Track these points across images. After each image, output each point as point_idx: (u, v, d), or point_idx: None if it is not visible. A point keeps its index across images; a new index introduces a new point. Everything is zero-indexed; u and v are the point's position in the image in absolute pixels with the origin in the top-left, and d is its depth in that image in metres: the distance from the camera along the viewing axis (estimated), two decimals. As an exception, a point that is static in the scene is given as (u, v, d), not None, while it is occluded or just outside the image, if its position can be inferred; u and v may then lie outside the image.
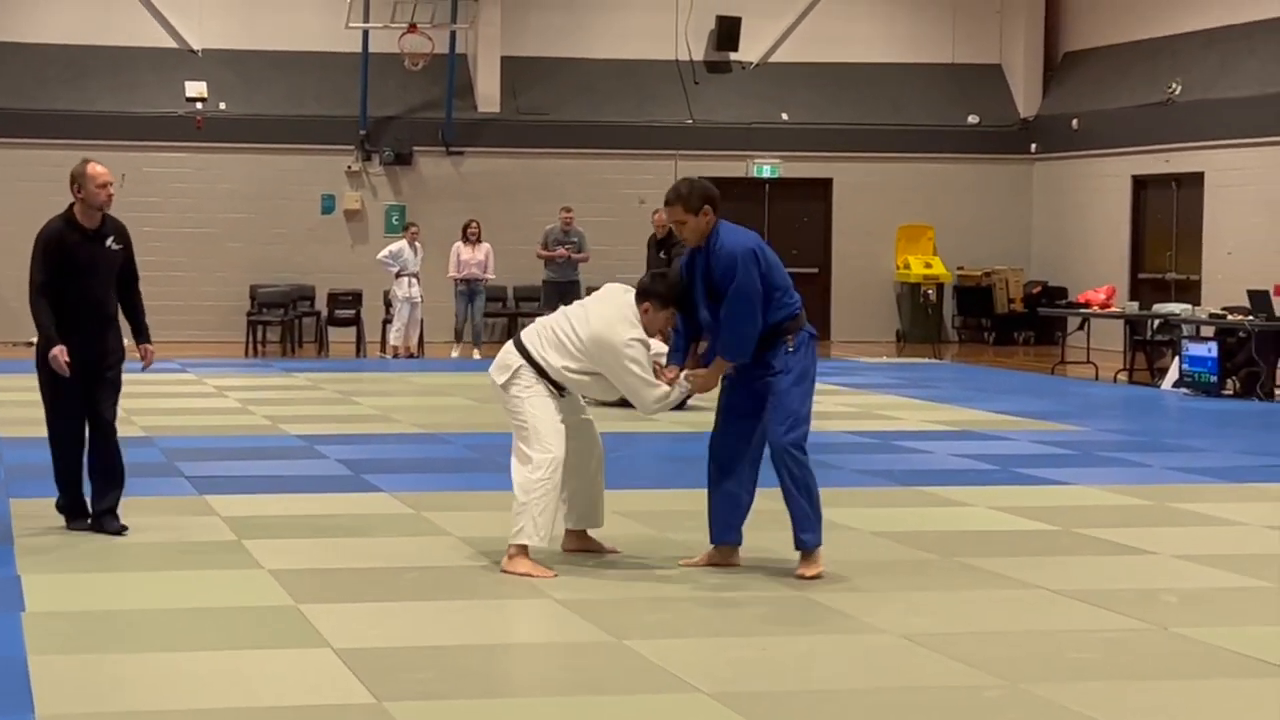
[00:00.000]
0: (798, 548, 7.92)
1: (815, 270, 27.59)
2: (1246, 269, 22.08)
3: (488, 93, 26.78)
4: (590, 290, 21.58)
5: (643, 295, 8.04)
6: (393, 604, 7.30)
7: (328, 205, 26.21)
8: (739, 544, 8.13)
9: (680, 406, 7.97)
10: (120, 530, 8.74)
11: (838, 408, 16.27)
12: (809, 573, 7.82)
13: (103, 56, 25.71)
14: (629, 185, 26.76)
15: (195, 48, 26.14)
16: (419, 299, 22.73)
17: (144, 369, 9.22)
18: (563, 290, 23.63)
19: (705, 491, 8.26)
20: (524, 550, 7.83)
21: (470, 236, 22.93)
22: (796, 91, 27.55)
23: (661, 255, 19.64)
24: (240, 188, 25.77)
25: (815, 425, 14.90)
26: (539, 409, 8.00)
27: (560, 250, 23.13)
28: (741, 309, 7.81)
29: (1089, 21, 27.41)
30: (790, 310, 7.95)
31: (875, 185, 27.23)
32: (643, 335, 7.98)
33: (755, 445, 8.09)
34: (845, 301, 27.45)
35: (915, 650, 6.58)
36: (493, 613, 7.19)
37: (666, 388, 8.00)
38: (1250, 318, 18.14)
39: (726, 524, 8.08)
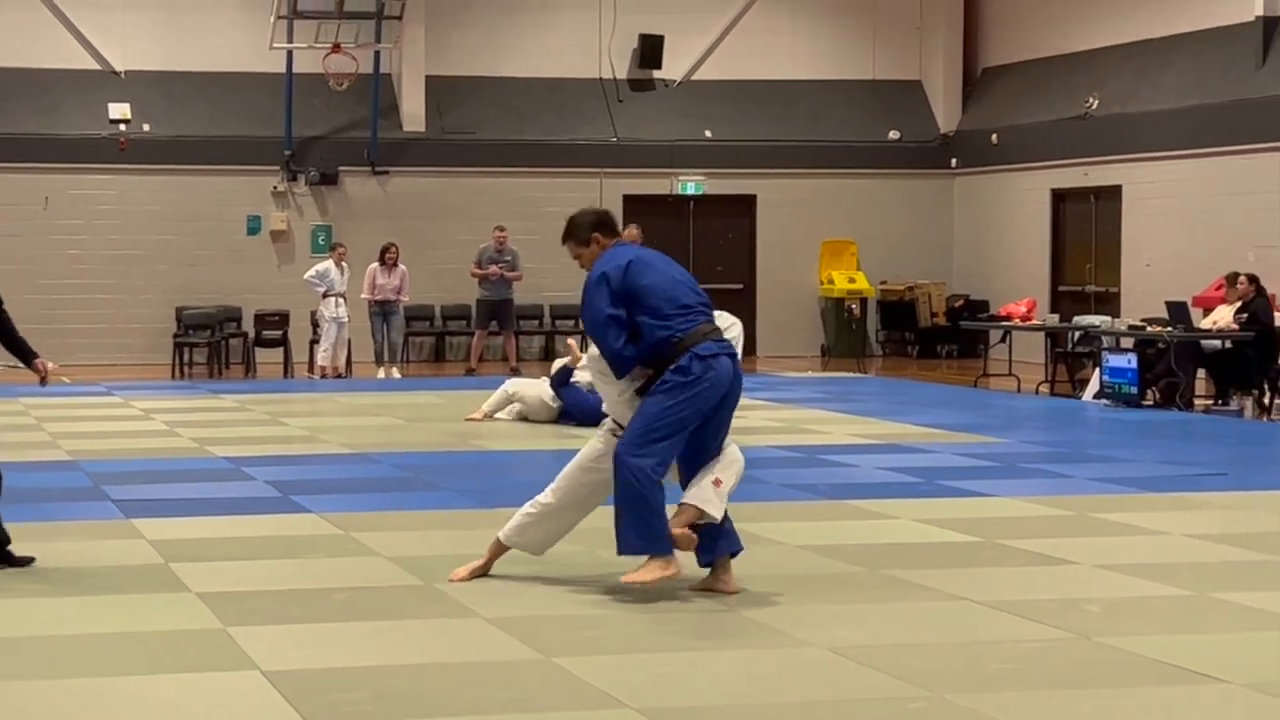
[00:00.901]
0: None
1: (740, 286, 27.72)
2: (1165, 281, 22.34)
3: (413, 112, 26.80)
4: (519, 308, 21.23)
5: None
6: (322, 625, 7.30)
7: (253, 226, 26.14)
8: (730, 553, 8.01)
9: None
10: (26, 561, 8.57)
11: (763, 423, 16.35)
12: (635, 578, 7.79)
13: (25, 78, 25.58)
14: (554, 203, 26.77)
15: (118, 69, 26.04)
16: (346, 319, 22.68)
17: (43, 384, 9.14)
18: (496, 309, 23.70)
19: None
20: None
21: (388, 261, 22.86)
22: (720, 109, 27.69)
23: None
24: (165, 209, 25.67)
25: (742, 440, 14.98)
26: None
27: (494, 269, 23.17)
28: (594, 334, 7.92)
29: (1007, 37, 27.68)
30: (668, 335, 7.79)
31: (798, 201, 27.39)
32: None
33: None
34: (770, 317, 27.58)
35: (841, 663, 6.64)
36: (422, 632, 7.19)
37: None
38: (1169, 329, 18.35)
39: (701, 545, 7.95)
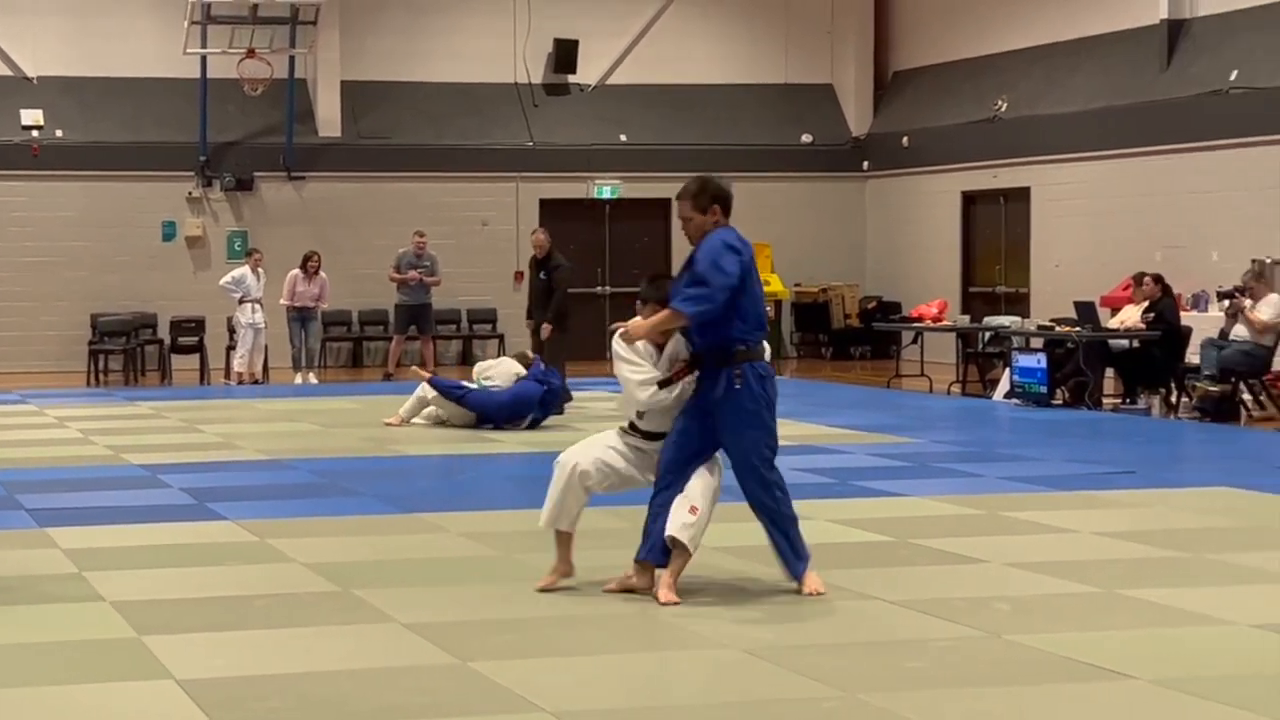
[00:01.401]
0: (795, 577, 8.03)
1: (657, 289, 27.77)
2: (1073, 281, 22.59)
3: (328, 117, 26.74)
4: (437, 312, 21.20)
5: (640, 300, 8.12)
6: (237, 633, 7.30)
7: (169, 232, 26.00)
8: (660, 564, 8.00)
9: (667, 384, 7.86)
10: None
11: (680, 426, 16.42)
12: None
13: (-65, 85, 25.37)
14: (470, 208, 26.84)
15: (30, 75, 25.86)
16: (263, 325, 22.60)
17: None
18: (415, 313, 23.67)
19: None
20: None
21: (309, 269, 22.78)
22: (634, 113, 27.77)
23: (541, 276, 19.77)
24: (79, 215, 25.51)
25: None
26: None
27: (413, 274, 23.15)
28: (710, 275, 7.69)
29: (917, 41, 27.89)
30: (742, 340, 7.87)
31: (714, 204, 27.45)
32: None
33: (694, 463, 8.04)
34: (687, 320, 27.62)
35: (756, 664, 6.70)
36: (339, 638, 7.20)
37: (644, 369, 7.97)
38: (1077, 329, 18.55)
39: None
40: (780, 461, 13.52)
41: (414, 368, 17.93)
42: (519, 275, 26.86)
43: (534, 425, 16.08)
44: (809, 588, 8.01)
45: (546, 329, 19.34)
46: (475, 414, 16.07)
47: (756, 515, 8.15)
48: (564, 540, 8.14)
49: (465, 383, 16.54)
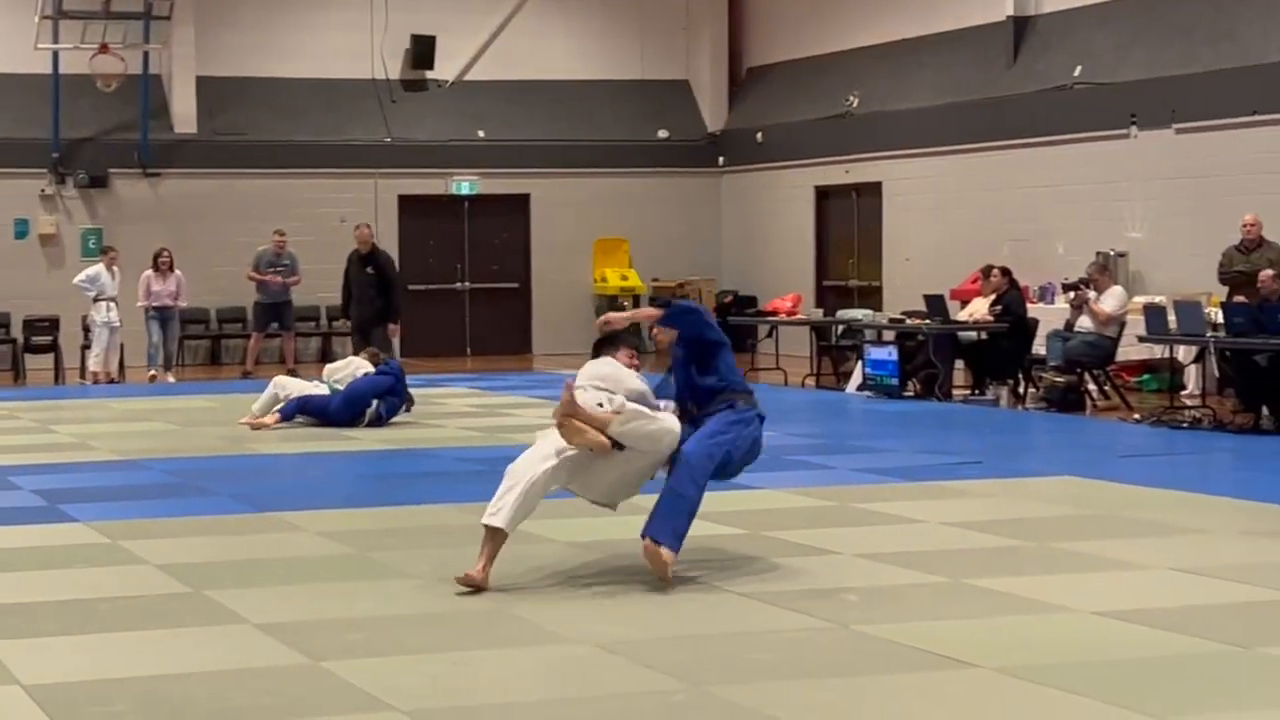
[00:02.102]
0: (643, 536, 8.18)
1: (515, 285, 27.86)
2: (923, 274, 22.89)
3: (184, 113, 26.50)
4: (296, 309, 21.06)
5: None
6: (86, 637, 7.24)
7: (21, 230, 25.66)
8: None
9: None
10: None
11: (537, 420, 16.43)
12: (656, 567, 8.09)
13: None
14: (329, 204, 26.71)
15: (-126, 71, 25.43)
16: (118, 323, 22.38)
17: None
18: (275, 311, 23.54)
19: (405, 508, 8.37)
20: None
21: (161, 266, 22.58)
22: (493, 109, 27.77)
23: (369, 271, 19.72)
24: (-72, 214, 25.12)
25: (515, 439, 15.07)
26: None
27: (273, 278, 23.02)
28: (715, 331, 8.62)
29: (771, 37, 28.11)
30: (735, 385, 8.44)
31: (572, 200, 27.58)
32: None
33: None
34: (545, 315, 27.74)
35: (607, 658, 6.77)
36: (189, 640, 7.17)
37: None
38: (927, 321, 18.80)
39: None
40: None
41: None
42: (378, 271, 26.77)
43: (388, 417, 15.99)
44: (650, 559, 8.08)
45: (395, 329, 19.34)
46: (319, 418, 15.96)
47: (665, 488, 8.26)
48: (500, 539, 8.10)
49: (311, 388, 16.30)
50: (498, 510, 8.06)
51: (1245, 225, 17.91)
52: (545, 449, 8.19)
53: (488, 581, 8.02)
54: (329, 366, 17.03)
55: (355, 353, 18.40)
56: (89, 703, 6.16)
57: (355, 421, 15.80)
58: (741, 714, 5.95)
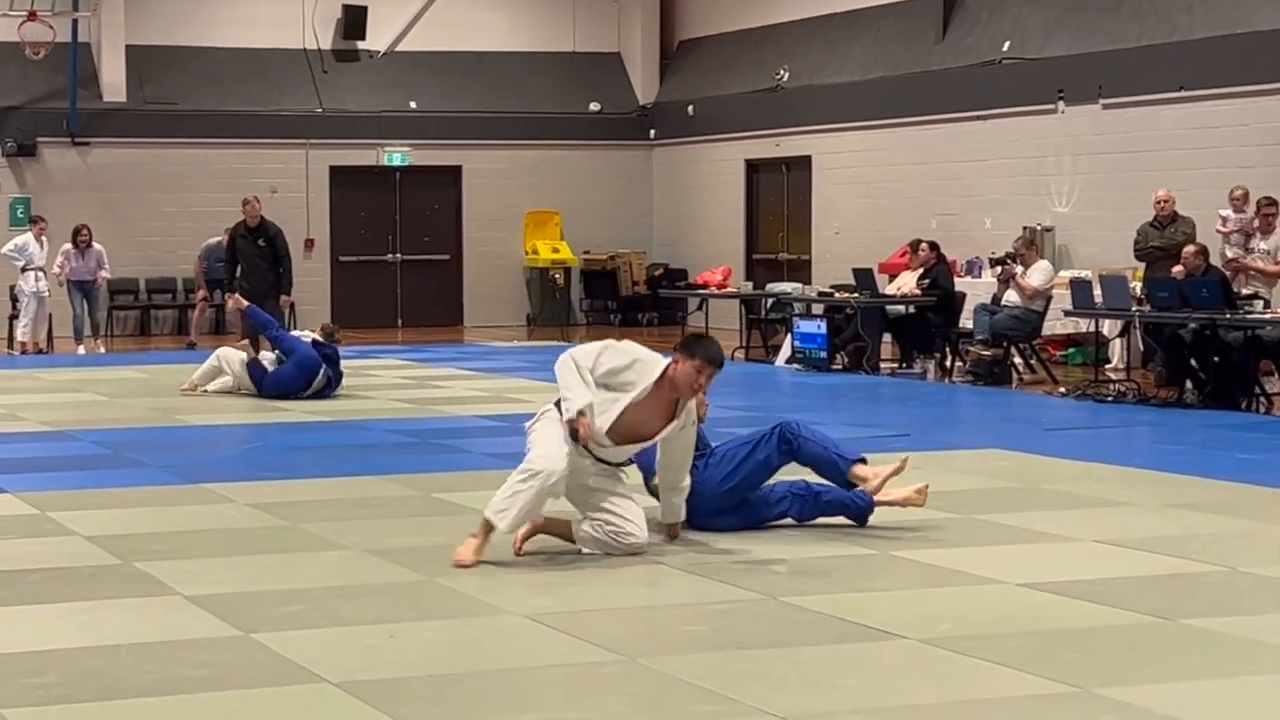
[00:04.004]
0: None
1: (447, 257, 27.83)
2: (852, 248, 23.03)
3: (113, 82, 26.32)
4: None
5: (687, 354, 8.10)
6: (12, 609, 7.21)
7: (-52, 199, 25.46)
8: None
9: None
10: None
11: (468, 392, 16.50)
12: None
13: None
14: (260, 175, 26.61)
15: None
16: (46, 293, 22.26)
17: None
18: (218, 286, 23.68)
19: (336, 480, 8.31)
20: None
21: (80, 244, 22.39)
22: (425, 80, 27.71)
23: (260, 243, 19.67)
24: None
25: (447, 409, 15.08)
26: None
27: (201, 296, 23.20)
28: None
29: (702, 10, 28.15)
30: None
31: (503, 172, 27.56)
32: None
33: None
34: (476, 287, 27.72)
35: (538, 630, 6.80)
36: (119, 612, 7.14)
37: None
38: (856, 295, 18.90)
39: None
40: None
41: (235, 296, 17.56)
42: (309, 242, 26.73)
43: (327, 389, 15.91)
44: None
45: (288, 300, 19.38)
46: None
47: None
48: (491, 530, 8.07)
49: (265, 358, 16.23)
50: (505, 515, 7.99)
51: (1158, 201, 18.08)
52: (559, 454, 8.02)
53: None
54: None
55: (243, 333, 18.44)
56: (17, 675, 6.13)
57: (304, 390, 15.66)
58: (673, 685, 5.99)
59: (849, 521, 9.00)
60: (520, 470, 8.04)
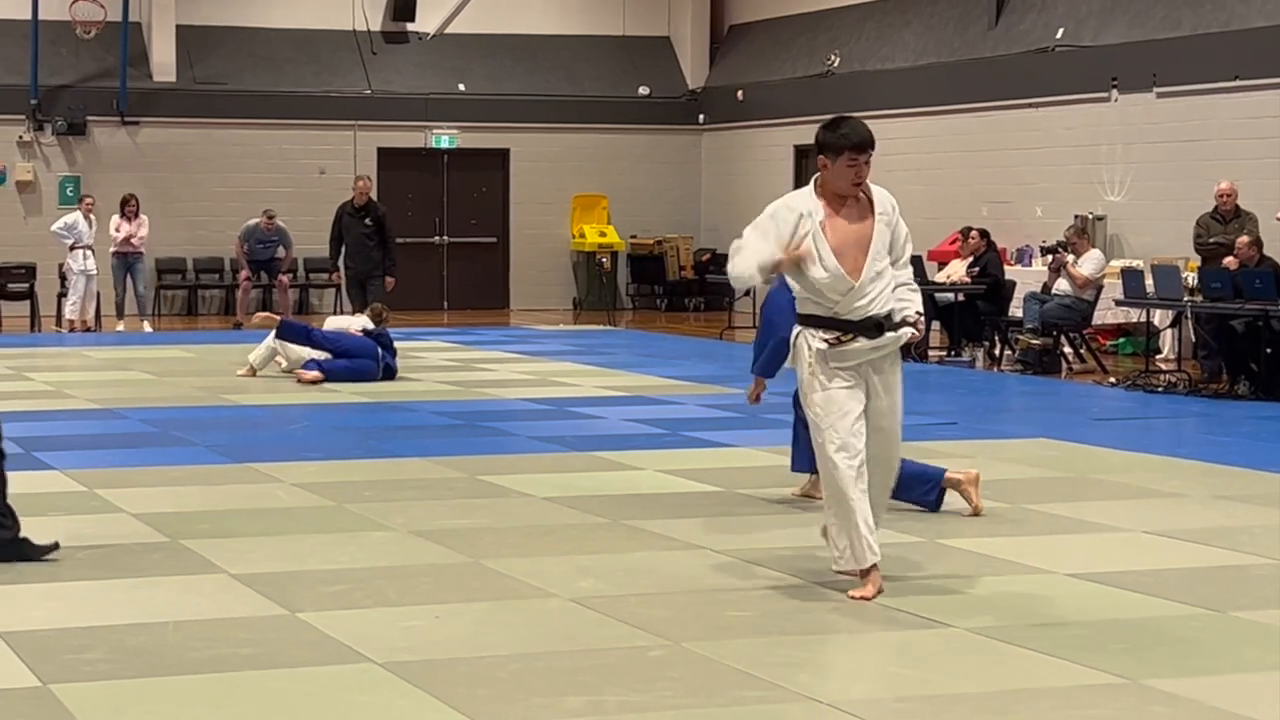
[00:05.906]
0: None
1: (494, 240, 27.83)
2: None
3: (163, 61, 26.39)
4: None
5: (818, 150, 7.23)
6: (61, 584, 7.24)
7: (-1, 177, 25.59)
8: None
9: None
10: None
11: (514, 375, 16.50)
12: None
13: None
14: (308, 155, 26.65)
15: None
16: (94, 272, 22.37)
17: None
18: (263, 265, 23.79)
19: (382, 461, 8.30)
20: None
21: (128, 213, 22.55)
22: (473, 62, 27.70)
23: (368, 223, 19.70)
24: (-95, 160, 25.01)
25: (494, 393, 15.12)
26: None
27: (244, 276, 23.36)
28: None
29: (753, -5, 28.03)
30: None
31: (551, 155, 27.54)
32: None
33: None
34: (523, 270, 27.72)
35: (584, 613, 6.78)
36: (166, 590, 7.17)
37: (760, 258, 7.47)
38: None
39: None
40: (613, 411, 13.69)
41: (261, 314, 17.50)
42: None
43: (385, 377, 15.78)
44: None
45: (392, 282, 19.42)
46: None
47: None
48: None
49: (308, 354, 15.99)
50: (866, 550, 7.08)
51: (1220, 194, 17.82)
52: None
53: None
54: (330, 322, 16.79)
55: (354, 305, 18.41)
56: (65, 651, 6.16)
57: (371, 375, 15.53)
58: (718, 670, 5.98)
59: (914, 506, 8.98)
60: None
